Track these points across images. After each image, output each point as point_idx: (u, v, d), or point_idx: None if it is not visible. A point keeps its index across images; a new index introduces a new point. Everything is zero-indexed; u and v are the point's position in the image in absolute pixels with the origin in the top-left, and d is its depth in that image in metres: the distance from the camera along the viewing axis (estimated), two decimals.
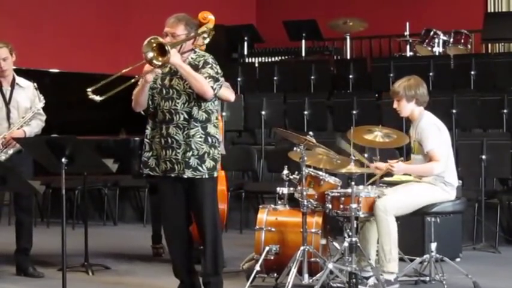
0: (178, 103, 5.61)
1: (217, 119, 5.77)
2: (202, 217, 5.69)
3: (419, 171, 6.40)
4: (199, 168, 5.62)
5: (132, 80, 5.69)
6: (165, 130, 5.63)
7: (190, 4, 12.99)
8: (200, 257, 5.88)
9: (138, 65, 5.63)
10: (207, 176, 5.65)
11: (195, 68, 5.59)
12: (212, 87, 5.55)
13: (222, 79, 5.67)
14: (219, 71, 5.66)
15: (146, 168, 5.78)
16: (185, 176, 5.61)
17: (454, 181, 6.40)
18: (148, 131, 5.78)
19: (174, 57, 5.45)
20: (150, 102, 5.72)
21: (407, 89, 6.41)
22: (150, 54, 5.41)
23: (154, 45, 5.41)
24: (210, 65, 5.63)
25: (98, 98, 5.53)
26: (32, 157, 6.70)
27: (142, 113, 5.88)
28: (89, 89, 5.52)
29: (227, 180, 7.44)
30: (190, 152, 5.60)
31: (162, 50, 5.40)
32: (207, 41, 5.76)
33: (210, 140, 5.66)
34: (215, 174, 5.72)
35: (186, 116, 5.60)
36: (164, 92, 5.66)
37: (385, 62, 11.18)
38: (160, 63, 5.43)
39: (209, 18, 6.32)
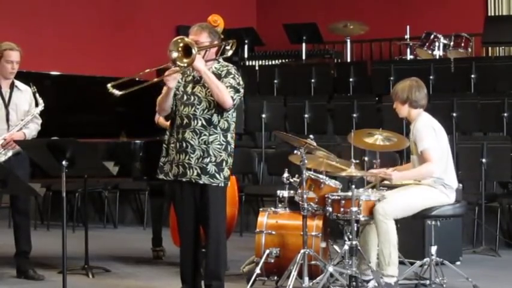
0: (198, 109, 5.64)
1: (234, 130, 5.81)
2: (209, 223, 5.71)
3: (415, 176, 6.38)
4: (217, 175, 5.66)
5: (155, 80, 5.76)
6: (181, 134, 5.66)
7: (191, 8, 13.07)
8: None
9: (162, 67, 5.66)
10: (222, 185, 5.70)
11: (218, 76, 5.64)
12: (232, 97, 5.60)
13: (242, 91, 5.72)
14: (241, 82, 5.72)
15: (161, 173, 5.81)
16: (201, 182, 5.63)
17: (453, 184, 6.39)
18: (166, 137, 5.80)
19: (198, 61, 5.48)
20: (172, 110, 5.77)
21: (401, 91, 6.43)
22: (175, 54, 5.41)
23: (181, 45, 5.42)
24: (232, 75, 5.68)
25: (117, 92, 5.54)
26: (29, 159, 6.72)
27: (163, 119, 5.91)
28: (110, 84, 5.52)
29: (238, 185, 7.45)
30: (208, 159, 5.63)
31: (187, 52, 5.42)
32: (229, 53, 5.80)
33: (229, 148, 5.72)
34: (229, 184, 5.79)
35: (205, 123, 5.63)
36: (185, 98, 5.69)
37: (385, 65, 11.17)
38: (184, 65, 5.43)
39: (220, 22, 6.36)
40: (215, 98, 5.58)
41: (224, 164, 5.69)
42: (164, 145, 5.80)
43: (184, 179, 5.67)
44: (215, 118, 5.66)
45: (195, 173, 5.64)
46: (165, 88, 5.65)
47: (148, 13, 13.14)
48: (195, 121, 5.64)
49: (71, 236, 6.84)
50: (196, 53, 5.42)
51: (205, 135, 5.64)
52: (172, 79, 5.58)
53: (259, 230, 6.57)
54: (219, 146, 5.67)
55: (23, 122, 6.90)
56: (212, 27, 5.88)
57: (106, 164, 6.07)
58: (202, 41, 5.63)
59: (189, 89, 5.72)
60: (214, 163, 5.65)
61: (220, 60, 5.79)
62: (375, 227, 6.23)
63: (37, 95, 6.93)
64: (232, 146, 5.78)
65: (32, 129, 6.96)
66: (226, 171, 5.71)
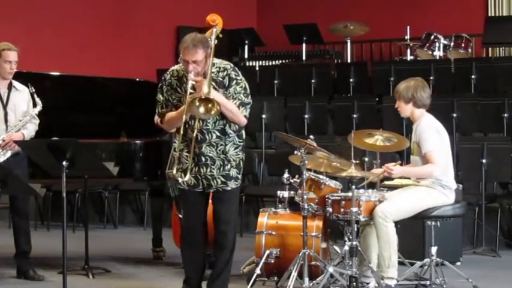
0: (209, 123, 5.58)
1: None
2: (230, 224, 5.71)
3: (417, 174, 6.40)
4: (239, 176, 5.72)
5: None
6: (197, 149, 5.58)
7: (191, 8, 13.07)
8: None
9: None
10: (240, 183, 5.77)
11: (221, 85, 5.57)
12: (245, 116, 5.61)
13: (249, 94, 5.65)
14: (246, 84, 5.65)
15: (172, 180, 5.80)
16: (228, 188, 5.65)
17: (452, 184, 6.40)
18: (176, 145, 5.67)
19: (217, 97, 5.43)
20: None
21: (405, 90, 6.43)
22: (202, 110, 5.37)
23: (197, 101, 5.36)
24: (235, 81, 5.60)
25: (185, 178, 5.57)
26: (27, 160, 6.72)
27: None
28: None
29: None
30: (229, 165, 5.65)
31: (206, 100, 5.36)
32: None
33: (242, 145, 5.72)
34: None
35: (219, 134, 5.61)
36: None
37: (385, 65, 11.17)
38: (216, 110, 5.37)
39: (218, 21, 6.33)
40: (229, 120, 5.58)
41: (241, 162, 5.73)
42: (175, 153, 5.68)
43: (211, 191, 5.68)
44: (227, 127, 5.63)
45: (219, 182, 5.64)
46: (183, 109, 5.51)
47: (148, 13, 13.13)
48: (209, 135, 5.59)
49: (71, 236, 6.84)
50: (214, 101, 5.34)
51: (221, 145, 5.62)
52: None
53: (259, 231, 6.58)
54: (235, 150, 5.67)
55: (22, 122, 6.90)
56: (201, 36, 5.59)
57: (106, 164, 6.07)
58: (200, 59, 5.45)
59: None
60: (234, 167, 5.67)
61: (215, 60, 5.63)
62: (375, 229, 6.23)
63: (35, 95, 6.93)
64: (244, 138, 5.75)
65: (31, 130, 6.96)
66: (242, 169, 5.75)
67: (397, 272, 6.22)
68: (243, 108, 5.60)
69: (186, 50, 5.47)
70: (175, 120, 5.59)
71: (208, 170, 5.62)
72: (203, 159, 5.61)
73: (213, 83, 5.52)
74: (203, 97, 5.37)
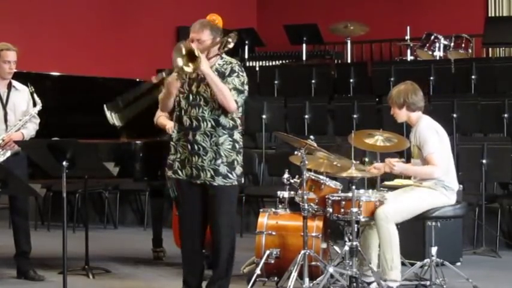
0: (205, 110, 5.63)
1: (241, 125, 5.81)
2: (223, 223, 5.70)
3: (419, 173, 6.38)
4: (230, 175, 5.69)
5: (161, 95, 5.76)
6: (191, 136, 5.64)
7: (191, 8, 13.06)
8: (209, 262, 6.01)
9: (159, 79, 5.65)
10: (235, 183, 5.73)
11: (222, 75, 5.61)
12: (236, 100, 5.59)
13: (246, 89, 5.69)
14: (245, 80, 5.69)
15: (170, 171, 5.81)
16: (215, 184, 5.64)
17: (454, 185, 6.39)
18: (174, 134, 5.78)
19: (204, 64, 5.47)
20: (176, 106, 5.74)
21: (396, 96, 6.41)
22: (180, 61, 5.39)
23: (184, 51, 5.40)
24: (236, 73, 5.66)
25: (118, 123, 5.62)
26: (27, 160, 6.72)
27: (162, 120, 5.95)
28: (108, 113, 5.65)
29: None
30: (220, 160, 5.64)
31: (191, 56, 5.40)
32: (231, 45, 5.75)
33: (237, 146, 5.74)
34: (242, 181, 5.81)
35: (214, 124, 5.63)
36: (191, 98, 5.66)
37: (385, 66, 11.16)
38: (190, 70, 5.42)
39: (218, 21, 6.36)
40: (218, 102, 5.57)
41: (235, 163, 5.72)
42: (172, 143, 5.78)
43: (198, 181, 5.67)
44: (222, 118, 5.65)
45: (208, 175, 5.65)
46: (164, 91, 5.64)
47: (149, 13, 13.14)
48: (205, 123, 5.63)
49: (71, 236, 6.84)
50: (200, 57, 5.39)
51: (215, 136, 5.64)
52: (175, 88, 5.60)
53: (259, 231, 6.58)
54: (228, 147, 5.68)
55: (21, 122, 6.90)
56: (213, 23, 5.84)
57: (106, 164, 6.07)
58: (204, 39, 5.58)
59: (193, 88, 5.67)
60: (225, 163, 5.66)
61: (224, 55, 5.74)
62: (377, 231, 6.22)
63: (35, 94, 6.93)
64: (240, 143, 5.78)
65: (31, 129, 6.96)
66: (239, 169, 5.74)
67: (400, 274, 6.20)
68: (235, 92, 5.60)
69: (194, 27, 5.64)
70: (166, 98, 5.64)
71: (200, 160, 5.64)
72: (196, 147, 5.64)
73: (215, 72, 5.59)
74: (190, 46, 5.39)
